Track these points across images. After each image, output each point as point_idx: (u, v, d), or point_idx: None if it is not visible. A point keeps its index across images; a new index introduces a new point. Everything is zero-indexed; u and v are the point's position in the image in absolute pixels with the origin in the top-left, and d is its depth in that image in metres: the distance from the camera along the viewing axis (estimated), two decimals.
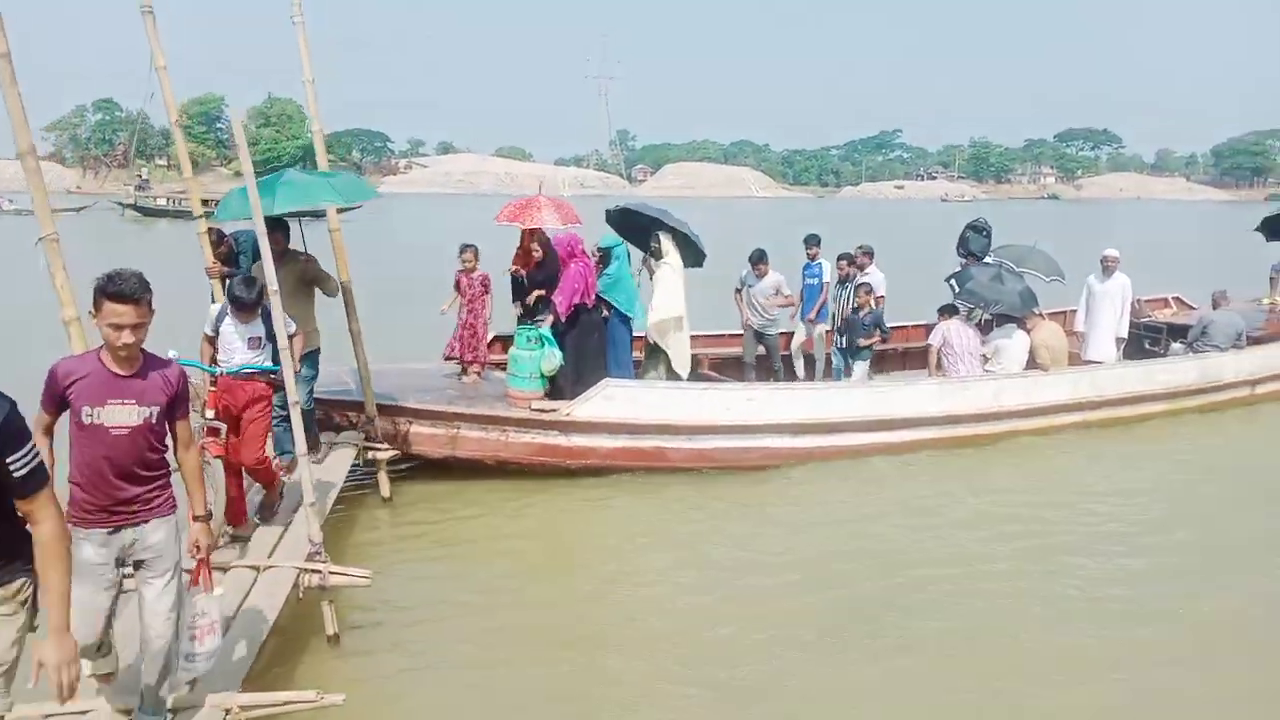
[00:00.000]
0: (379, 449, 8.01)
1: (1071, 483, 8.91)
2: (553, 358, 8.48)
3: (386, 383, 8.99)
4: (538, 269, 9.03)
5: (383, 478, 8.07)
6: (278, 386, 6.01)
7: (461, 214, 48.48)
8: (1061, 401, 10.05)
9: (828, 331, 10.95)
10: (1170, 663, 5.57)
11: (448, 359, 9.59)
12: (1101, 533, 7.59)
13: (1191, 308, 13.98)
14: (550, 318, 8.64)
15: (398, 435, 8.36)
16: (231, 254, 7.69)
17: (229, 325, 6.06)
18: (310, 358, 7.18)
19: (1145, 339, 12.67)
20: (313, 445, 7.01)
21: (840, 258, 10.68)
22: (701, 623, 6.08)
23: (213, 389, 5.93)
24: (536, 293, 8.77)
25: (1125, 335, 11.21)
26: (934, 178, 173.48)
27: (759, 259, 10.73)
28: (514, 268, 9.13)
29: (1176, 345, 11.95)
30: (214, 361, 6.08)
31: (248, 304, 5.93)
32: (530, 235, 9.28)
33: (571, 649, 5.73)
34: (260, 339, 6.05)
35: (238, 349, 6.03)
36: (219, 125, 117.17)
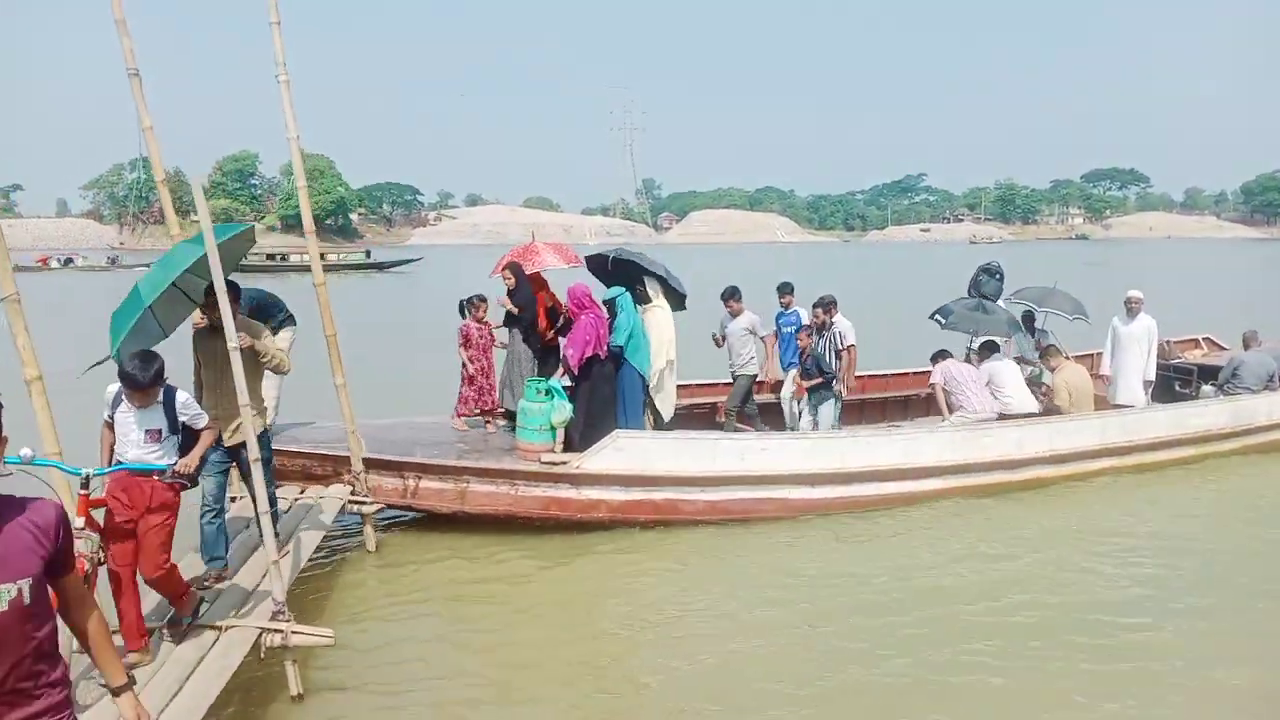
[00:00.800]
0: (364, 503, 7.91)
1: (1100, 532, 8.54)
2: (563, 410, 8.35)
3: (396, 435, 8.97)
4: (523, 312, 9.32)
5: (369, 530, 7.98)
6: (183, 487, 5.14)
7: (488, 264, 48.67)
8: (1090, 447, 9.75)
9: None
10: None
11: (462, 415, 9.56)
12: (1132, 591, 7.24)
13: (1222, 348, 13.66)
14: (560, 368, 8.56)
15: (406, 490, 8.24)
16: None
17: (124, 411, 5.01)
18: (261, 440, 5.99)
19: (1175, 381, 12.33)
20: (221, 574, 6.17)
21: (816, 305, 10.25)
22: (702, 680, 5.85)
23: (83, 491, 4.75)
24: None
25: (1153, 378, 10.91)
26: (960, 220, 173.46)
27: (730, 295, 10.46)
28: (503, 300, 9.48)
29: (1207, 388, 11.62)
30: (113, 453, 5.09)
31: (142, 385, 4.79)
32: (537, 289, 9.45)
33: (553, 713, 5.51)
34: (160, 432, 5.01)
35: (132, 441, 4.99)
36: (253, 181, 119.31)
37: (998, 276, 11.16)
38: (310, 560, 7.19)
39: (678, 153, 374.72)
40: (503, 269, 9.55)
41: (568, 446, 8.45)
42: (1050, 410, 10.26)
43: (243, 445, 5.77)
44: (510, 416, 9.27)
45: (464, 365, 9.47)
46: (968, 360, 10.46)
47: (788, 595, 7.11)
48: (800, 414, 10.19)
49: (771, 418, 10.77)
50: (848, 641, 6.32)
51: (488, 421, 9.55)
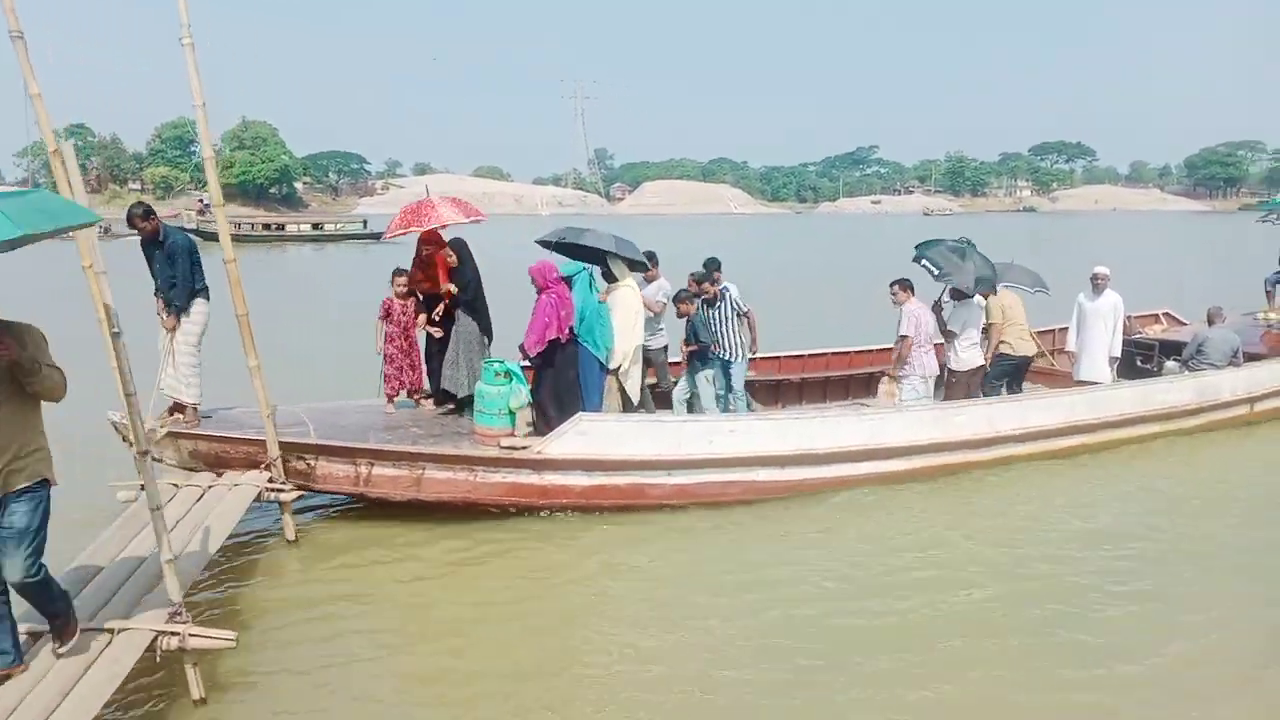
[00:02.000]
0: (282, 490, 7.55)
1: (1068, 511, 8.46)
2: (520, 394, 8.00)
3: (347, 420, 8.60)
4: (456, 278, 8.84)
5: (288, 520, 7.61)
6: None
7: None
8: (1057, 425, 9.63)
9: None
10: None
11: (392, 398, 9.15)
12: (1097, 568, 7.15)
13: (1182, 323, 13.66)
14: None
15: (358, 478, 7.86)
16: None
17: None
18: (30, 498, 4.45)
19: (1137, 356, 12.28)
20: (62, 630, 4.85)
21: (695, 277, 9.69)
22: (650, 672, 5.61)
23: None
24: (424, 319, 8.91)
25: (1119, 354, 10.81)
26: (911, 192, 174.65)
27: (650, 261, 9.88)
28: (419, 285, 9.06)
29: (1170, 363, 11.59)
30: None
31: None
32: (426, 242, 8.93)
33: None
34: None
35: None
36: (193, 149, 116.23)
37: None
38: (225, 550, 6.90)
39: (630, 123, 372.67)
40: (427, 249, 9.03)
41: (537, 432, 8.11)
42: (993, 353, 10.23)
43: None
44: (458, 402, 8.91)
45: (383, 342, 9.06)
46: (936, 306, 10.03)
47: (747, 585, 6.88)
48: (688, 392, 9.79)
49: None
50: (802, 635, 6.09)
51: (418, 400, 9.20)
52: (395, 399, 9.15)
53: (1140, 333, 13.12)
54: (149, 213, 7.83)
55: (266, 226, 58.87)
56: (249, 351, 7.29)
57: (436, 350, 9.06)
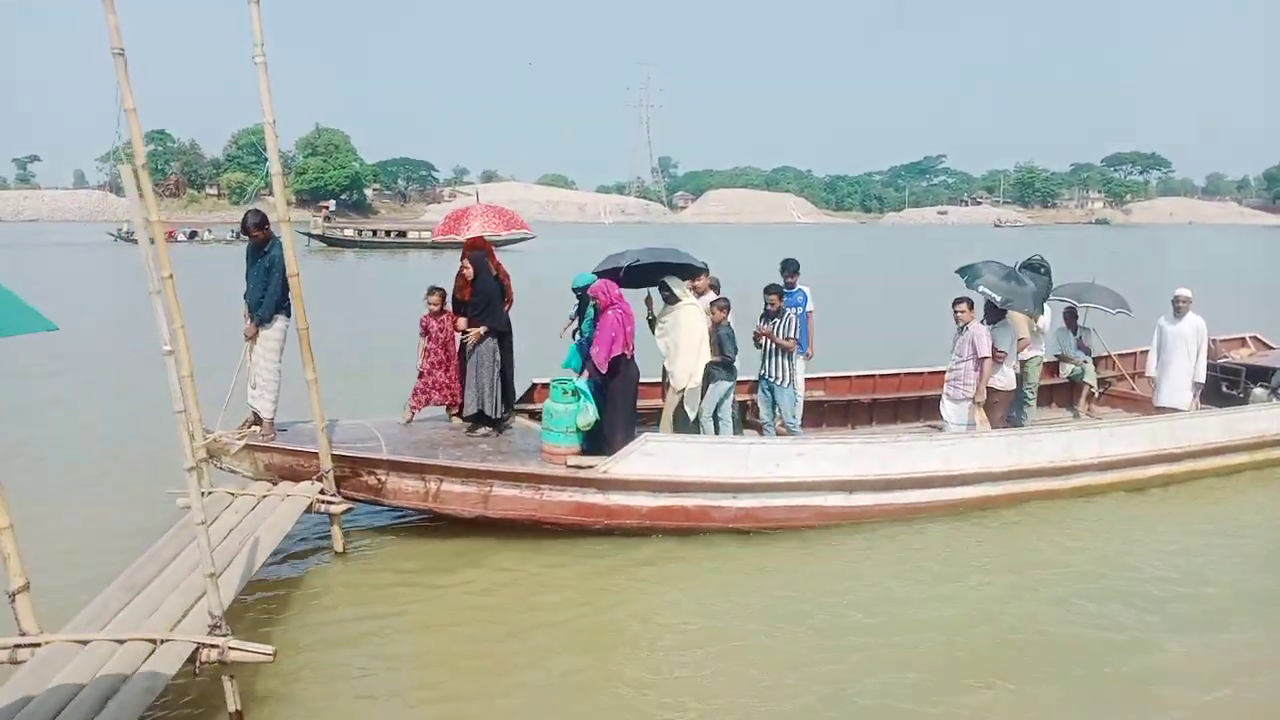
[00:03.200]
0: (332, 502, 7.61)
1: (1149, 547, 8.15)
2: (588, 412, 7.96)
3: (418, 435, 8.66)
4: (472, 291, 8.70)
5: (336, 532, 7.68)
6: None
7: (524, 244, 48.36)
8: (1139, 454, 9.31)
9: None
10: None
11: (414, 412, 9.06)
12: (1180, 608, 6.88)
13: (1270, 347, 13.15)
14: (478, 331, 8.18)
15: (427, 493, 7.90)
16: None
17: None
18: None
19: (1223, 382, 11.85)
20: None
21: (768, 290, 9.51)
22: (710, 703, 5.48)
23: None
24: (463, 323, 8.71)
25: (1202, 380, 10.41)
26: (979, 203, 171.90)
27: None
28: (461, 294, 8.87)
29: (1258, 390, 11.15)
30: None
31: None
32: (466, 253, 8.83)
33: None
34: None
35: None
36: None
37: (1044, 272, 10.40)
38: (273, 562, 6.96)
39: (694, 131, 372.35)
40: (463, 257, 8.87)
41: (604, 450, 8.08)
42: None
43: None
44: (488, 421, 8.81)
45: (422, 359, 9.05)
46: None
47: (803, 617, 6.71)
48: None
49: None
50: (866, 671, 5.92)
51: (452, 417, 9.09)
52: (417, 413, 9.03)
53: (1226, 356, 12.62)
54: (263, 221, 7.98)
55: (389, 234, 60.54)
56: (307, 365, 7.40)
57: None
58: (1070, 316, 11.85)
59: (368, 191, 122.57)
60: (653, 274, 9.10)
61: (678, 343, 8.66)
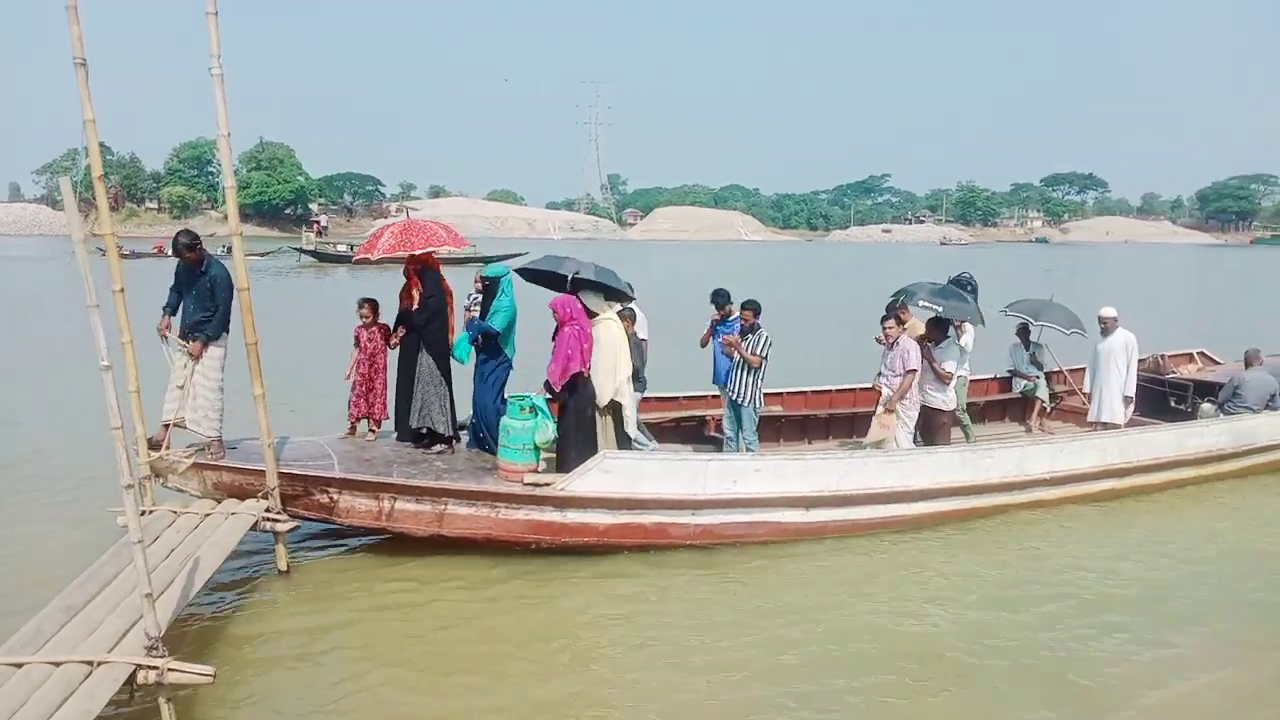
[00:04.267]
0: (277, 520, 7.46)
1: (1100, 558, 8.24)
2: (546, 429, 7.86)
3: (372, 453, 8.51)
4: (419, 308, 8.58)
5: (281, 550, 7.52)
6: None
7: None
8: (1090, 469, 9.45)
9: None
10: None
11: (353, 426, 9.05)
12: (1129, 617, 6.98)
13: (1217, 362, 13.43)
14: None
15: (380, 512, 7.75)
16: None
17: None
18: None
19: (1171, 397, 12.09)
20: None
21: (744, 305, 9.35)
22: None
23: None
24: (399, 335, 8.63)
25: (1132, 394, 10.42)
26: (922, 221, 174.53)
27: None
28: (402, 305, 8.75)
29: (1206, 405, 11.38)
30: None
31: None
32: (411, 266, 8.72)
33: None
34: None
35: None
36: (210, 169, 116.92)
37: (969, 289, 10.49)
38: (216, 580, 6.79)
39: (644, 149, 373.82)
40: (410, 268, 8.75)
41: (560, 469, 7.98)
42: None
43: None
44: (442, 439, 8.69)
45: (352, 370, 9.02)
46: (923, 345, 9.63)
47: (765, 630, 6.70)
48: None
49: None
50: (821, 682, 5.93)
51: (372, 430, 9.03)
52: (356, 426, 9.04)
53: (1174, 372, 12.89)
54: (194, 241, 7.78)
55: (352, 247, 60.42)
56: (255, 380, 7.25)
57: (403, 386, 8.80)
58: (1024, 333, 12.02)
59: (313, 206, 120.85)
60: (577, 286, 8.86)
61: (595, 359, 8.49)
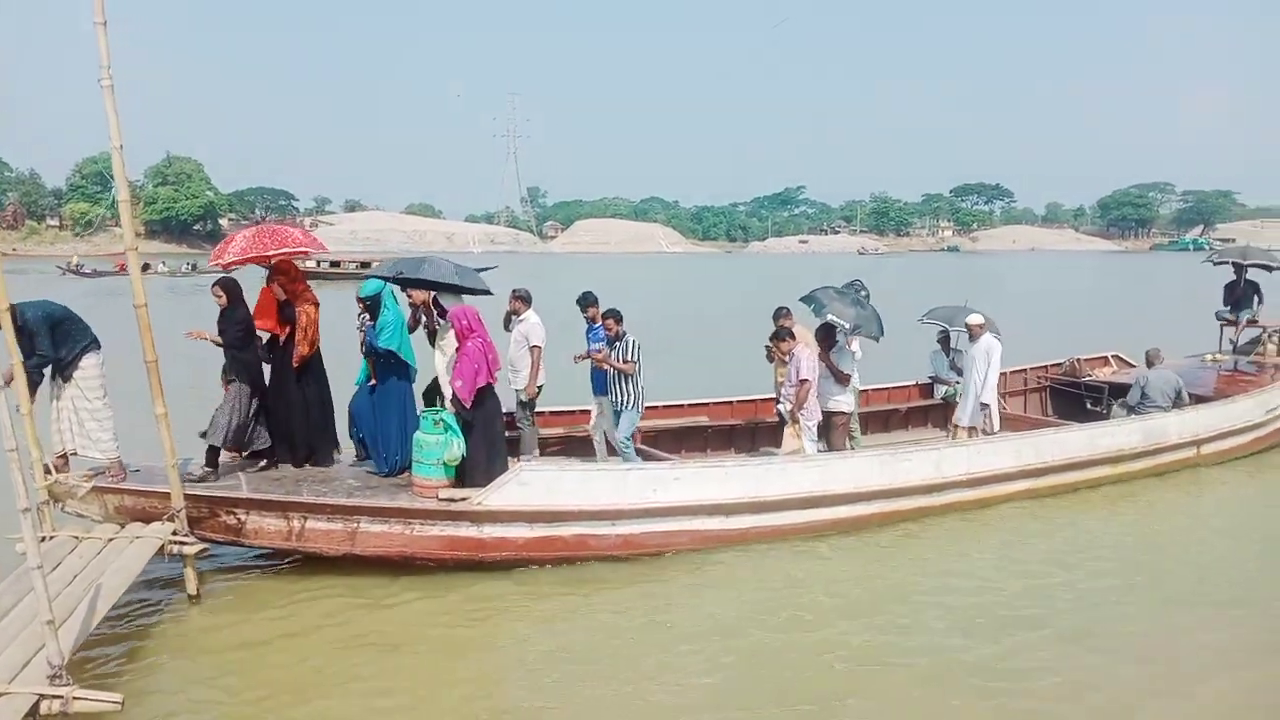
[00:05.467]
0: (185, 543, 7.17)
1: (1013, 559, 8.33)
2: (454, 447, 7.64)
3: (282, 473, 8.25)
4: (222, 324, 7.89)
5: (189, 574, 7.23)
6: None
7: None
8: (1006, 470, 9.57)
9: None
10: None
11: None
12: (1054, 611, 7.06)
13: (1131, 365, 13.79)
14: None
15: (291, 532, 7.49)
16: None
17: None
18: None
19: (1087, 399, 12.37)
20: None
21: (606, 315, 9.22)
22: None
23: None
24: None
25: (989, 400, 10.39)
26: (837, 232, 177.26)
27: (513, 295, 9.61)
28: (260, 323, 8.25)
29: (1118, 408, 11.67)
30: None
31: None
32: (272, 278, 8.24)
33: None
34: None
35: None
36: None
37: (864, 296, 10.58)
38: (123, 606, 6.59)
39: (564, 161, 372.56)
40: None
41: (471, 483, 7.78)
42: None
43: None
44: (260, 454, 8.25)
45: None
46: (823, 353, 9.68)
47: (686, 641, 6.62)
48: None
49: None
50: (743, 689, 5.85)
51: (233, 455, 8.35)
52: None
53: (1089, 375, 13.22)
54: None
55: (318, 264, 57.93)
56: (156, 399, 6.95)
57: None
58: (944, 339, 12.19)
59: (223, 221, 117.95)
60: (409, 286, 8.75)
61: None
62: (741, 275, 72.29)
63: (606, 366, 9.19)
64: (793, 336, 9.41)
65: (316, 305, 8.44)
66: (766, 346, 9.67)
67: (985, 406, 10.37)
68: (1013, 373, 13.47)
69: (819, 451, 9.28)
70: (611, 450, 9.55)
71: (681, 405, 11.25)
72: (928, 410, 12.46)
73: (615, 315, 9.20)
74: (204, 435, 8.05)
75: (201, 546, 7.29)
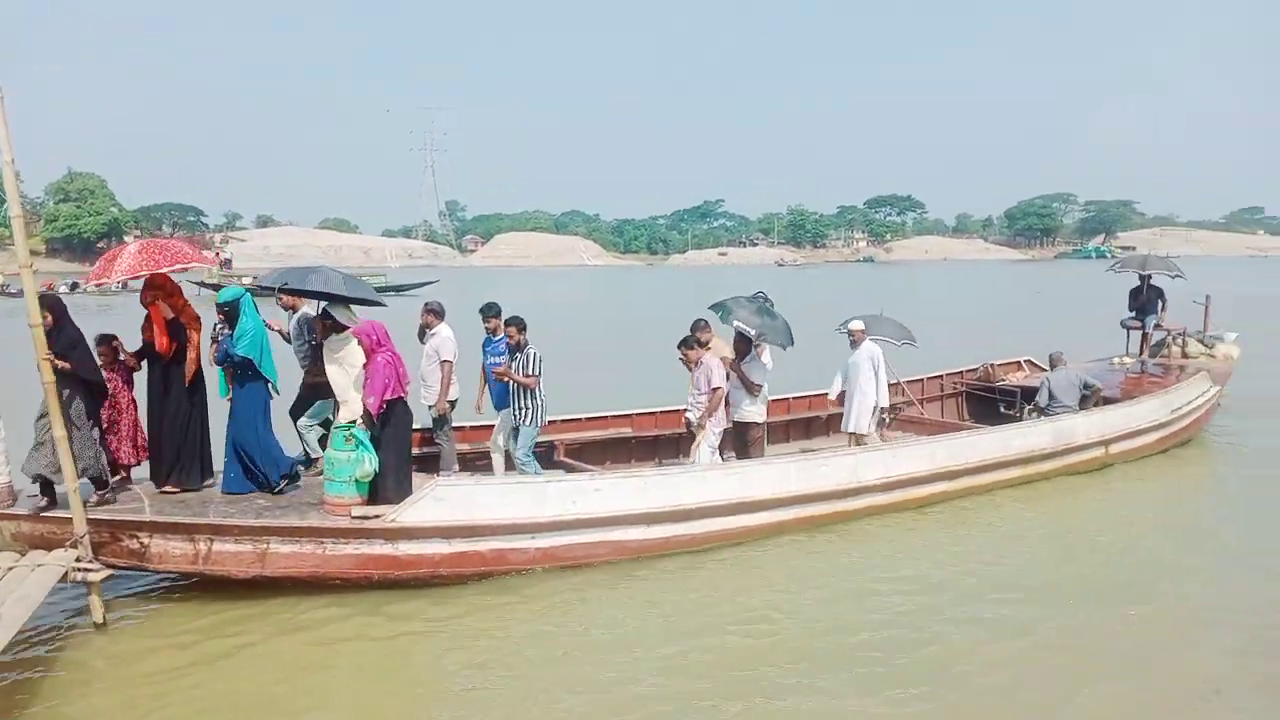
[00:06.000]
0: (90, 570, 6.90)
1: (934, 559, 8.45)
2: (365, 463, 7.45)
3: (188, 495, 7.93)
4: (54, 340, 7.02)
5: (95, 602, 6.95)
6: None
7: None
8: (922, 473, 9.71)
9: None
10: None
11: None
12: (967, 616, 7.15)
13: (1042, 369, 14.16)
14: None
15: (197, 555, 7.23)
16: None
17: None
18: None
19: (1000, 403, 12.67)
20: None
21: (508, 322, 9.04)
22: None
23: None
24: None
25: (885, 404, 10.65)
26: (755, 244, 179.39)
27: (425, 309, 9.47)
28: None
29: (1031, 410, 11.97)
30: None
31: None
32: (151, 299, 7.84)
33: None
34: None
35: None
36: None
37: (770, 305, 10.46)
38: (23, 637, 6.31)
39: (483, 175, 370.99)
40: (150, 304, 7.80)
41: (381, 500, 7.62)
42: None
43: None
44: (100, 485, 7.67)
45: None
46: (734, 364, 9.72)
47: (606, 653, 6.56)
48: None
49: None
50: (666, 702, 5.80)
51: (120, 474, 8.05)
52: (125, 471, 8.15)
53: (1003, 380, 13.57)
54: None
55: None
56: (55, 421, 6.71)
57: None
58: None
59: (128, 239, 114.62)
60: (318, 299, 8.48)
61: (347, 374, 8.10)
62: (664, 287, 72.61)
63: (507, 379, 9.05)
64: (702, 345, 9.41)
65: (198, 319, 8.09)
66: (680, 359, 9.58)
67: (885, 410, 10.45)
68: (930, 379, 13.75)
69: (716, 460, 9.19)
70: (511, 466, 9.34)
71: (605, 417, 11.17)
72: None
73: (518, 323, 9.03)
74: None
75: (107, 573, 7.00)
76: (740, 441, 9.77)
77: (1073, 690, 5.98)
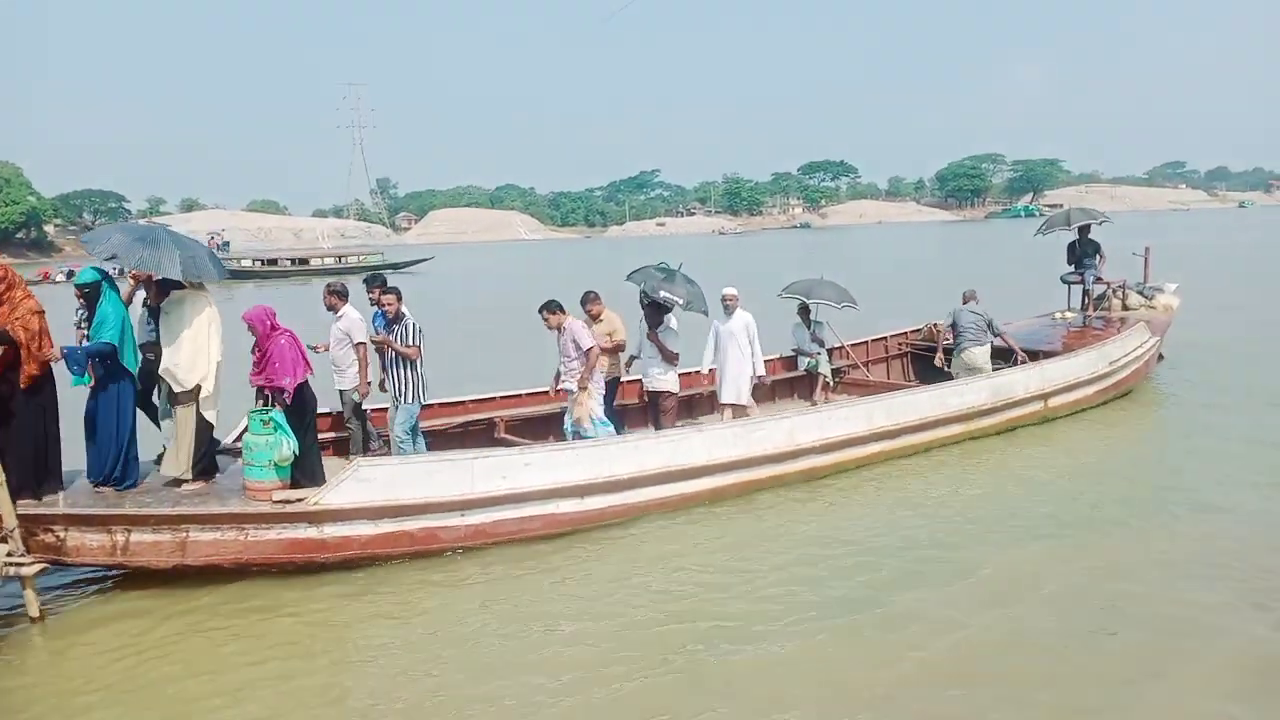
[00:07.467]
0: (23, 564, 6.65)
1: (877, 518, 8.46)
2: (283, 446, 7.22)
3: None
4: None
5: (31, 596, 6.71)
6: None
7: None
8: (858, 434, 9.69)
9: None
10: None
11: None
12: (910, 572, 7.14)
13: None
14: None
15: (115, 547, 6.97)
16: None
17: None
18: None
19: (944, 364, 12.73)
20: None
21: (385, 292, 8.80)
22: None
23: None
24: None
25: (762, 372, 10.40)
26: (693, 213, 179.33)
27: (329, 290, 9.24)
28: None
29: (943, 354, 12.08)
30: None
31: None
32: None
33: None
34: None
35: None
36: None
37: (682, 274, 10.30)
38: None
39: (413, 151, 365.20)
40: None
41: (297, 483, 7.41)
42: None
43: None
44: None
45: None
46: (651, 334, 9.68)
47: (543, 629, 6.44)
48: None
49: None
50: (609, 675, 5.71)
51: None
52: None
53: (948, 340, 13.54)
54: None
55: (293, 262, 59.80)
56: None
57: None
58: (804, 312, 12.31)
59: (48, 228, 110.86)
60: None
61: (178, 335, 7.57)
62: (602, 259, 72.28)
63: (386, 349, 8.79)
64: (593, 317, 9.37)
65: (41, 314, 7.09)
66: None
67: (759, 377, 10.36)
68: (874, 340, 13.78)
69: (604, 416, 9.11)
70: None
71: (546, 392, 10.95)
72: (793, 382, 12.59)
73: (395, 293, 8.75)
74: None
75: (41, 566, 6.76)
76: (655, 410, 9.69)
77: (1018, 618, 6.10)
